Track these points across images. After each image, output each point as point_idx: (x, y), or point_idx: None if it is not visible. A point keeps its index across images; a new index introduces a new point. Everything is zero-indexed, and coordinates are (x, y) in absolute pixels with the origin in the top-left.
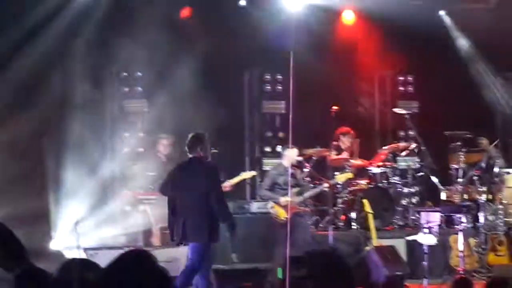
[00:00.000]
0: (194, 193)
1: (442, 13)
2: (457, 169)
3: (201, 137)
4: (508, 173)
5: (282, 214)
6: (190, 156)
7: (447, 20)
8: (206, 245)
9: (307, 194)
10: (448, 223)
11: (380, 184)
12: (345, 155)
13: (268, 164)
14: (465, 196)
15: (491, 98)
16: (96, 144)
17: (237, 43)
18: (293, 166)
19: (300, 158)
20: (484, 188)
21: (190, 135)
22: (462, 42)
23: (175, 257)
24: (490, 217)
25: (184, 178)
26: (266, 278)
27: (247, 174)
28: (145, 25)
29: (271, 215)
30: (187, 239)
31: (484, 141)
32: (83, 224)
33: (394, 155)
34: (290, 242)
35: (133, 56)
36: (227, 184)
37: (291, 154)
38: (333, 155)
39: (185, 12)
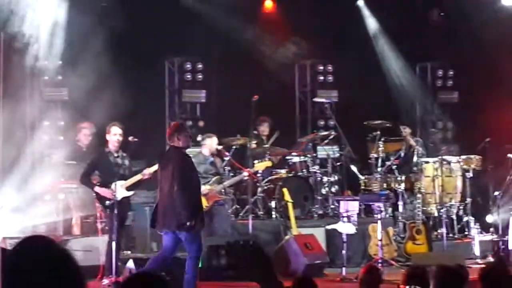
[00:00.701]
0: (165, 181)
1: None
2: (376, 158)
3: (179, 126)
4: (427, 162)
5: (203, 203)
6: (169, 144)
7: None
8: (175, 233)
9: (227, 182)
10: (367, 212)
11: (300, 173)
12: (265, 144)
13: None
14: (384, 185)
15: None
16: (15, 132)
17: (158, 32)
18: (213, 154)
19: (220, 147)
20: (403, 177)
21: (170, 124)
22: (373, 27)
23: (94, 246)
24: (409, 206)
25: (161, 167)
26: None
27: None
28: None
29: None
30: (156, 226)
31: (407, 130)
32: (2, 213)
33: (314, 144)
34: (210, 231)
35: None
36: (146, 172)
37: (210, 143)
38: (253, 144)
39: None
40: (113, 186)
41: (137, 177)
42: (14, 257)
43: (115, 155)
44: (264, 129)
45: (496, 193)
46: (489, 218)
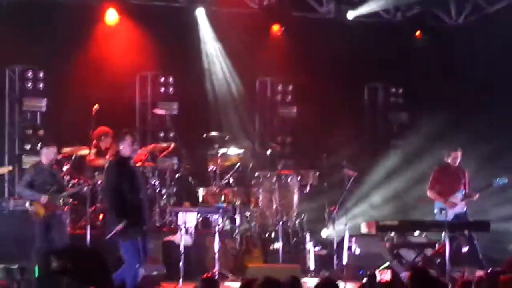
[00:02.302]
0: None
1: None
2: (214, 171)
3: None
4: (265, 176)
5: (41, 212)
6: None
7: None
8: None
9: (66, 193)
10: (205, 224)
11: None
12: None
13: (28, 162)
14: (222, 198)
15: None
16: None
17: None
18: (52, 164)
19: (59, 156)
20: (241, 191)
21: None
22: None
23: None
24: (246, 220)
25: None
26: (20, 276)
27: (2, 169)
28: None
29: (29, 213)
30: None
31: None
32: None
33: (153, 155)
34: (48, 240)
35: None
36: None
37: (49, 152)
38: (92, 154)
39: None
40: None
41: None
42: None
43: None
44: (106, 140)
45: (332, 208)
46: (324, 233)
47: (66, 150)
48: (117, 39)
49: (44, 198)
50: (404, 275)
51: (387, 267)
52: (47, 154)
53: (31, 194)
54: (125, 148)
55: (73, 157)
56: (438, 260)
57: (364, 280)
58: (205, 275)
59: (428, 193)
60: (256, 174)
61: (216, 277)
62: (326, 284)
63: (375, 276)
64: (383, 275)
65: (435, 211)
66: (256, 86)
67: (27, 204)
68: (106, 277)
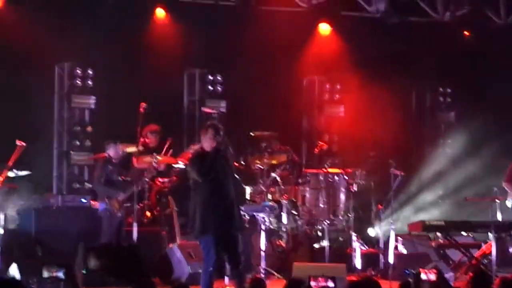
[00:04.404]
0: None
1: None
2: (261, 169)
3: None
4: (312, 175)
5: (117, 208)
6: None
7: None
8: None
9: (129, 190)
10: (251, 223)
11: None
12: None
13: (77, 158)
14: (269, 197)
15: None
16: None
17: (49, 35)
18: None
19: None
20: (288, 189)
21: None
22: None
23: None
24: (292, 218)
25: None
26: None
27: (130, 148)
28: None
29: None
30: None
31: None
32: None
33: None
34: (108, 237)
35: None
36: None
37: (118, 148)
38: (140, 149)
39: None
40: None
41: None
42: None
43: None
44: (153, 138)
45: (378, 207)
46: (371, 232)
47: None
48: (165, 37)
49: (122, 195)
50: (450, 275)
51: (432, 267)
52: (117, 150)
53: (109, 191)
54: (206, 141)
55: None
56: (485, 261)
57: (410, 278)
58: (253, 275)
59: (504, 185)
60: (303, 172)
61: (262, 276)
62: (366, 283)
63: (420, 275)
64: (428, 274)
65: (509, 203)
66: (303, 85)
67: (97, 203)
68: (143, 276)
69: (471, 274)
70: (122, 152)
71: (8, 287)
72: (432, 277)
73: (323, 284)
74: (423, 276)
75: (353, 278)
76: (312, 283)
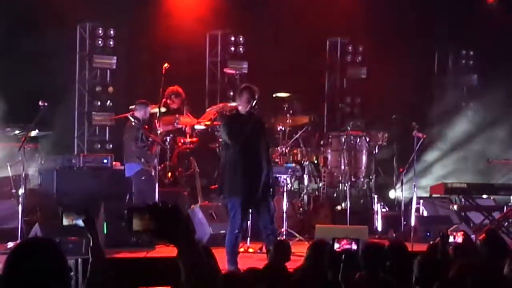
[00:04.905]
0: None
1: None
2: (283, 131)
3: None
4: (334, 136)
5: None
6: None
7: None
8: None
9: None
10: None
11: (208, 144)
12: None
13: (98, 119)
14: (291, 158)
15: None
16: None
17: None
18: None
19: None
20: (309, 151)
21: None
22: None
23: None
24: (314, 180)
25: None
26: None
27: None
28: None
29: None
30: None
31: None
32: None
33: (222, 114)
34: (147, 198)
35: None
36: None
37: (148, 110)
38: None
39: None
40: None
41: None
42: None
43: None
44: (176, 100)
45: (400, 169)
46: (392, 194)
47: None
48: None
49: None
50: (473, 237)
51: (454, 230)
52: (147, 112)
53: (147, 153)
54: (242, 104)
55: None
56: (506, 224)
57: (437, 239)
58: (279, 239)
59: None
60: (325, 134)
61: (284, 237)
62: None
63: (448, 237)
64: (456, 237)
65: None
66: (326, 46)
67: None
68: (188, 236)
69: (483, 235)
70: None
71: (46, 249)
72: (459, 239)
73: (347, 246)
74: (450, 239)
75: (379, 241)
76: (336, 245)
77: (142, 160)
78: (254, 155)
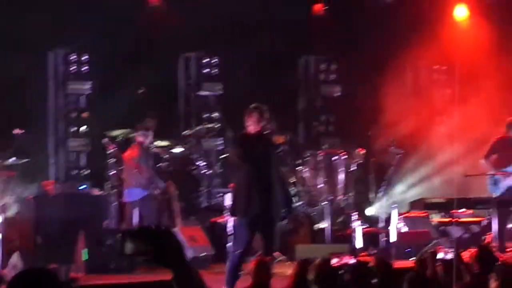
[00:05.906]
0: None
1: None
2: None
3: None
4: (311, 155)
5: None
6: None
7: None
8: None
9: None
10: None
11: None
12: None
13: (73, 145)
14: None
15: None
16: None
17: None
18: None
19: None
20: (287, 170)
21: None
22: None
23: None
24: (293, 199)
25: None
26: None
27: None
28: None
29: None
30: None
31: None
32: None
33: (199, 137)
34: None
35: None
36: None
37: (150, 134)
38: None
39: None
40: None
41: None
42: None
43: None
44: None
45: (378, 186)
46: (370, 211)
47: (112, 132)
48: (160, 20)
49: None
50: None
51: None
52: (149, 137)
53: (156, 178)
54: (252, 124)
55: (120, 139)
56: (484, 237)
57: (423, 255)
58: (258, 257)
59: (482, 161)
60: (302, 153)
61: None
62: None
63: (436, 254)
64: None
65: (488, 182)
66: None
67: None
68: (182, 259)
69: (476, 250)
70: None
71: (46, 278)
72: (449, 256)
73: (347, 260)
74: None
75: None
76: (334, 260)
77: (152, 184)
78: (266, 175)
